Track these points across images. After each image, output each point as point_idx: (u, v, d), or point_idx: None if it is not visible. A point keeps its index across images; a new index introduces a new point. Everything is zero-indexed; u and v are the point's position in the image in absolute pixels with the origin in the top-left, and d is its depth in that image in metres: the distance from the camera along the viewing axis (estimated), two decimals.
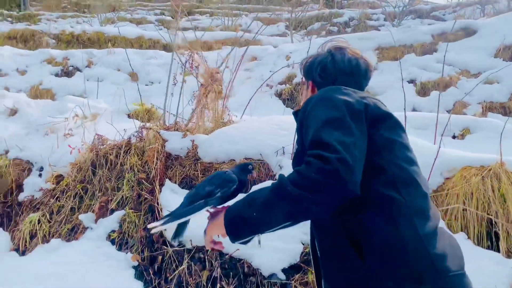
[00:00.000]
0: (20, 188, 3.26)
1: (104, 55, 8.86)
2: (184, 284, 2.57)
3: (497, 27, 7.95)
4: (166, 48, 10.69)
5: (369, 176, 1.14)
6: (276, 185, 1.13)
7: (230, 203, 1.26)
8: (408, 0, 14.08)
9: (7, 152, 3.47)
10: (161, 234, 2.74)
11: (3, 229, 3.07)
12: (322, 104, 1.24)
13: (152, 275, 2.62)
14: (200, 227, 2.67)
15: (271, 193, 1.12)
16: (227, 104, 3.79)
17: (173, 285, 2.57)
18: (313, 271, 1.47)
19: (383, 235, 1.11)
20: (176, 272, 2.59)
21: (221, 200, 1.30)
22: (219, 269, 2.61)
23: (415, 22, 13.47)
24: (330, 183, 1.06)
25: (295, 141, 2.26)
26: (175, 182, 3.02)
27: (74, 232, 2.92)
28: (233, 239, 1.19)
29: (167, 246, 2.70)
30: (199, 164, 3.07)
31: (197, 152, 3.14)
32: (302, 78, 1.63)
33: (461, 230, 2.93)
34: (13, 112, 4.11)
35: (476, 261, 2.48)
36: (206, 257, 2.66)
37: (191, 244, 2.68)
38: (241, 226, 1.17)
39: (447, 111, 5.90)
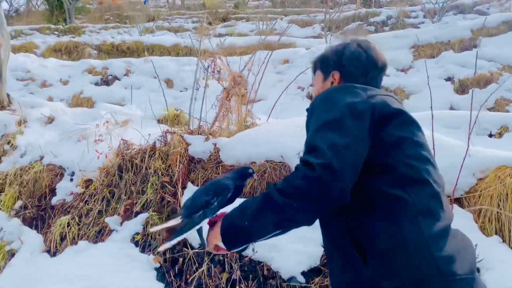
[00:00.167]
0: (53, 192, 3.41)
1: (141, 64, 9.14)
2: (203, 286, 2.59)
3: None
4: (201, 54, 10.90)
5: (375, 176, 1.13)
6: (264, 194, 1.15)
7: (228, 208, 1.27)
8: None
9: (42, 158, 3.65)
10: None
11: (37, 231, 3.22)
12: (323, 105, 1.23)
13: (173, 277, 2.67)
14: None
15: (260, 203, 1.14)
16: (250, 107, 3.80)
17: (193, 287, 2.60)
18: None
19: (386, 237, 1.09)
20: (196, 273, 2.62)
21: (218, 208, 1.31)
22: (238, 272, 2.61)
23: (456, 18, 12.96)
24: (313, 190, 1.05)
25: None
26: (197, 185, 3.05)
27: (101, 234, 3.01)
28: (228, 248, 1.22)
29: (187, 248, 2.73)
30: (220, 167, 3.10)
31: (219, 155, 3.16)
32: (316, 70, 1.55)
33: (495, 233, 2.81)
34: (50, 120, 4.31)
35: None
36: (226, 259, 2.67)
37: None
38: (235, 236, 1.19)
39: (488, 110, 5.63)
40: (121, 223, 3.00)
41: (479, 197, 3.00)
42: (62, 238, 3.05)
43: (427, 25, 10.91)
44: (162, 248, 1.33)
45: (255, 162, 3.03)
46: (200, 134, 3.39)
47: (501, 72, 6.51)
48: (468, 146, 2.87)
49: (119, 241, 2.90)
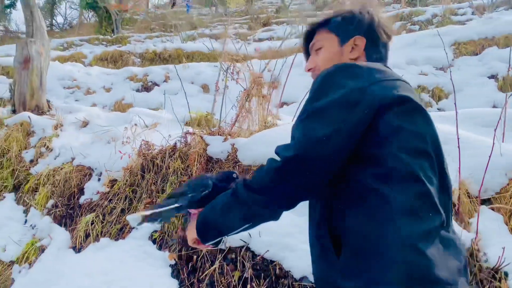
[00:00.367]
0: (81, 191, 3.58)
1: (179, 70, 9.38)
2: (216, 283, 2.61)
3: None
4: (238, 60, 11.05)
5: (362, 167, 1.05)
6: (233, 188, 1.14)
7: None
8: None
9: (73, 159, 3.84)
10: None
11: (65, 229, 3.39)
12: (319, 89, 1.10)
13: (186, 274, 2.71)
14: None
15: (229, 198, 1.13)
16: (277, 108, 3.80)
17: (205, 284, 2.63)
18: None
19: (361, 234, 1.01)
20: (208, 271, 2.64)
21: (190, 203, 1.31)
22: (250, 270, 2.61)
23: (508, 14, 12.27)
24: (277, 184, 1.02)
25: None
26: None
27: (122, 231, 3.12)
28: (202, 241, 1.23)
29: None
30: (237, 167, 3.12)
31: (237, 156, 3.18)
32: (321, 30, 1.33)
33: None
34: (85, 124, 4.52)
35: None
36: (238, 257, 2.68)
37: (225, 245, 2.72)
38: (207, 229, 1.20)
39: None
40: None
41: (511, 198, 2.84)
42: (87, 235, 3.19)
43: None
44: (133, 225, 1.39)
45: None
46: (220, 135, 3.43)
47: None
48: (493, 144, 2.71)
49: (138, 238, 2.98)
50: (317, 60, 1.31)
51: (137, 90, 9.10)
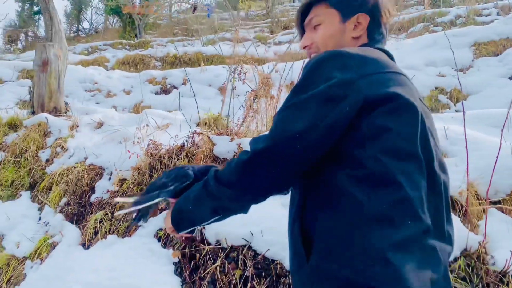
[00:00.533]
0: (92, 190, 3.66)
1: (197, 73, 9.49)
2: (217, 281, 2.63)
3: None
4: (259, 61, 11.09)
5: (341, 168, 0.98)
6: (205, 179, 1.12)
7: None
8: None
9: (86, 159, 3.93)
10: (200, 232, 2.84)
11: (76, 226, 3.47)
12: (303, 78, 1.03)
13: (189, 272, 2.73)
14: (234, 227, 2.73)
15: (200, 189, 1.11)
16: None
17: (206, 282, 2.65)
18: None
19: (331, 239, 0.96)
20: (210, 269, 2.66)
21: (173, 193, 1.31)
22: (252, 269, 2.62)
23: None
24: (244, 178, 0.99)
25: None
26: None
27: (129, 229, 3.18)
28: (176, 230, 1.22)
29: (204, 244, 2.79)
30: None
31: None
32: (318, 4, 1.23)
33: None
34: (99, 125, 4.63)
35: None
36: (240, 256, 2.69)
37: (227, 243, 2.74)
38: (181, 219, 1.19)
39: None
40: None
41: None
42: (96, 232, 3.26)
43: None
44: (116, 214, 1.38)
45: None
46: (227, 135, 3.46)
47: None
48: (500, 144, 2.64)
49: (144, 236, 3.03)
50: (314, 37, 1.23)
51: (156, 93, 9.24)
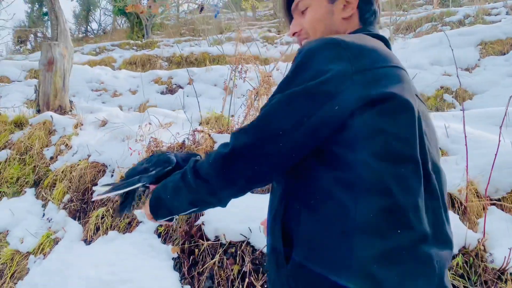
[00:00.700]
0: (95, 186, 3.70)
1: (202, 73, 9.54)
2: (215, 277, 2.65)
3: None
4: (265, 61, 11.11)
5: (328, 169, 0.92)
6: (184, 170, 1.08)
7: None
8: None
9: (89, 156, 3.98)
10: (199, 228, 2.87)
11: (79, 222, 3.52)
12: (295, 69, 0.96)
13: (187, 267, 2.76)
14: (233, 223, 2.74)
15: (179, 180, 1.08)
16: None
17: (204, 277, 2.67)
18: None
19: (313, 244, 0.90)
20: (208, 264, 2.68)
21: (154, 178, 1.28)
22: (249, 265, 2.63)
23: None
24: (222, 172, 0.95)
25: None
26: None
27: (130, 225, 3.21)
28: (155, 217, 1.21)
29: (203, 240, 2.81)
30: None
31: None
32: None
33: None
34: (104, 123, 4.68)
35: None
36: (238, 252, 2.71)
37: (225, 239, 2.76)
38: (159, 207, 1.17)
39: None
40: None
41: None
42: (98, 228, 3.30)
43: None
44: (94, 198, 1.34)
45: None
46: (228, 133, 3.48)
47: None
48: (499, 141, 2.64)
49: (144, 232, 3.07)
50: (303, 22, 1.15)
51: (162, 93, 9.30)
